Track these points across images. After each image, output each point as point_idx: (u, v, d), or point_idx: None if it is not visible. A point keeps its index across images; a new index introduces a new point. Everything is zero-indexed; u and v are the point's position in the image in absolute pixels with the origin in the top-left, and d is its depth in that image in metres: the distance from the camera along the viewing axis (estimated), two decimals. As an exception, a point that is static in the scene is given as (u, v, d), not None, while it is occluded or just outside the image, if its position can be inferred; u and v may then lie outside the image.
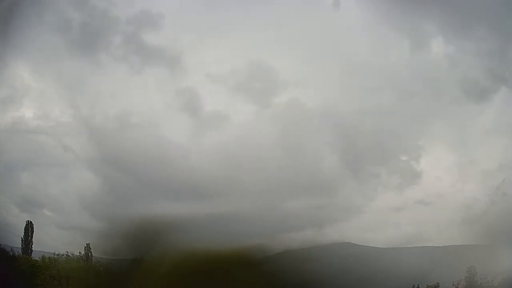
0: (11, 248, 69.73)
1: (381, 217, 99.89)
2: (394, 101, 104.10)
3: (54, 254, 70.37)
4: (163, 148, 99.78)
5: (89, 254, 73.30)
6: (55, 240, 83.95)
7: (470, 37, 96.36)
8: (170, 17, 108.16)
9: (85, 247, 72.91)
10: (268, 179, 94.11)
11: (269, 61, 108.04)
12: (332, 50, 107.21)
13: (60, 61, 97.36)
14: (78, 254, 71.56)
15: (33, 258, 71.00)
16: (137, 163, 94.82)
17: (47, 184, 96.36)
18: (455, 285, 79.21)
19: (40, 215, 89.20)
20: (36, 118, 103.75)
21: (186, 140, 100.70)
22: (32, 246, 74.56)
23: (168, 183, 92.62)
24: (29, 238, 74.59)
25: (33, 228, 75.56)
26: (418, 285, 79.07)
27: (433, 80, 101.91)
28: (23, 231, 74.64)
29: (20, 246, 73.68)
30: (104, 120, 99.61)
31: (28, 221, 76.09)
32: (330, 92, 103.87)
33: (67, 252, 71.02)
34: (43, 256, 70.68)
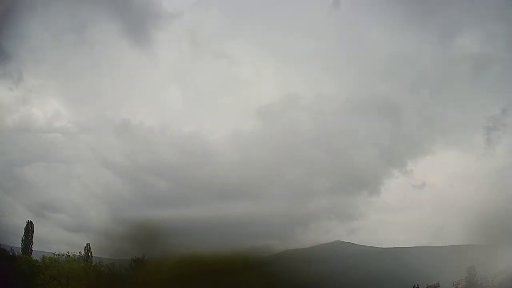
0: (11, 248, 69.31)
1: (382, 217, 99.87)
2: (427, 96, 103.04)
3: (55, 254, 69.89)
4: (188, 149, 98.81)
5: (89, 254, 72.95)
6: (59, 240, 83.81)
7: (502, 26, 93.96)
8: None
9: (85, 247, 72.68)
10: (300, 176, 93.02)
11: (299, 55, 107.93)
12: (362, 44, 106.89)
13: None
14: (78, 254, 71.10)
15: (33, 258, 70.56)
16: (159, 164, 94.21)
17: (56, 184, 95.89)
18: (455, 285, 79.15)
19: (43, 215, 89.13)
20: (51, 117, 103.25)
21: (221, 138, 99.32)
22: (32, 246, 74.31)
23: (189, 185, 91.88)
24: (29, 238, 74.29)
25: (33, 228, 75.29)
26: (418, 285, 79.03)
27: (464, 72, 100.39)
28: (23, 231, 74.47)
29: (21, 246, 73.42)
30: (126, 120, 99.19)
31: (28, 221, 75.89)
32: (362, 87, 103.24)
33: (68, 252, 70.57)
34: (43, 256, 70.25)
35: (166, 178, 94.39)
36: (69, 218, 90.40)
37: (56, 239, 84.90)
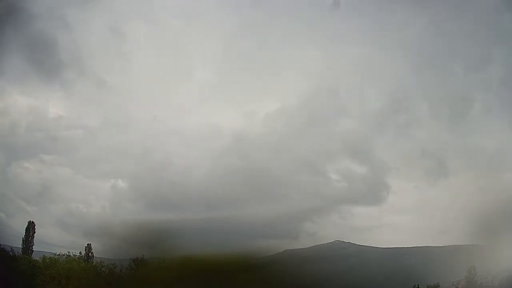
0: (11, 248, 69.43)
1: (382, 217, 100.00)
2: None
3: (55, 254, 69.90)
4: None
5: (90, 254, 73.03)
6: (61, 240, 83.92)
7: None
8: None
9: (85, 247, 72.77)
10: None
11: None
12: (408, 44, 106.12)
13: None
14: (79, 255, 71.07)
15: (33, 258, 70.62)
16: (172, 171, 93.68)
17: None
18: (455, 285, 79.18)
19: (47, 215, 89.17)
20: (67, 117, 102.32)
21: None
22: (33, 246, 74.53)
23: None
24: (30, 238, 74.50)
25: (34, 228, 75.54)
26: (418, 285, 79.04)
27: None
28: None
29: (21, 246, 73.65)
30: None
31: (30, 221, 76.23)
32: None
33: (68, 252, 70.57)
34: (43, 256, 70.27)
35: (173, 179, 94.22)
36: (73, 218, 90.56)
37: (59, 239, 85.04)
